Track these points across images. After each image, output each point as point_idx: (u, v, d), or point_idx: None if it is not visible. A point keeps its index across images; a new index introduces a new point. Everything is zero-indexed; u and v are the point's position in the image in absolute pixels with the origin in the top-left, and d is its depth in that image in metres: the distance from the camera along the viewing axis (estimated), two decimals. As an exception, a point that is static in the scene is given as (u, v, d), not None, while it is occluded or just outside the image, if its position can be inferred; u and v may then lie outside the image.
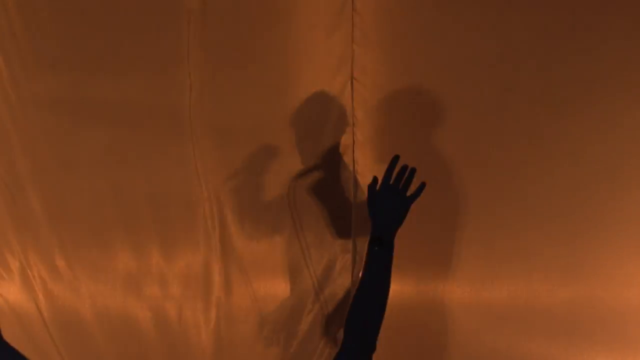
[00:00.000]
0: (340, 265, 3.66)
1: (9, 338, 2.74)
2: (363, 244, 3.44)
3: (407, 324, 3.63)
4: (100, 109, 3.64)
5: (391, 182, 2.93)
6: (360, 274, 2.89)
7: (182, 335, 3.77)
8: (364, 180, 3.43)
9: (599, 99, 3.46)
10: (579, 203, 3.56)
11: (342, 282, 3.66)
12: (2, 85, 3.60)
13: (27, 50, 3.59)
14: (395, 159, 2.98)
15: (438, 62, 3.52)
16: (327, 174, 3.65)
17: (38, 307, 3.78)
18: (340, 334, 2.92)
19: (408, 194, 2.94)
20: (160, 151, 3.67)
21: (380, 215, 2.89)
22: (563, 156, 3.55)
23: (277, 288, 3.74)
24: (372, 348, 2.74)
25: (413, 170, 2.96)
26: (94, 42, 3.60)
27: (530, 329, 3.61)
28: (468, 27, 3.49)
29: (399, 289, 3.50)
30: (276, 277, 3.74)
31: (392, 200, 2.90)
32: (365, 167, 3.55)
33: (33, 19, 3.57)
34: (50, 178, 3.68)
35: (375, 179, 2.98)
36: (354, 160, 3.59)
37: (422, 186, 2.96)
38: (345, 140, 3.60)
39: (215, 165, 3.65)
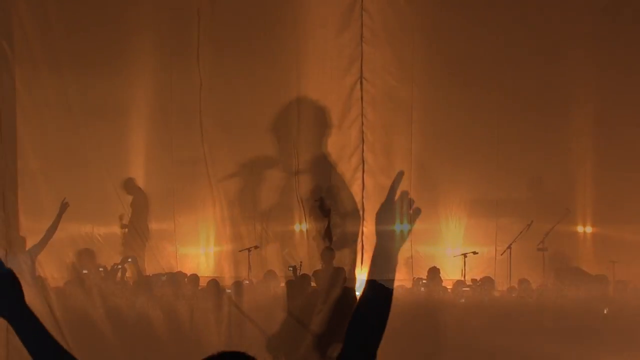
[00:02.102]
0: (348, 267, 3.66)
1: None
2: (370, 247, 3.43)
3: (413, 321, 3.62)
4: (112, 106, 3.68)
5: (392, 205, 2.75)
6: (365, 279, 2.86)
7: (193, 335, 3.76)
8: (373, 180, 3.43)
9: (598, 96, 3.48)
10: (585, 201, 3.56)
11: (350, 283, 3.65)
12: (14, 86, 3.62)
13: (38, 51, 3.61)
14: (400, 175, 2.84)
15: (447, 62, 3.55)
16: (336, 174, 3.66)
17: (50, 306, 3.77)
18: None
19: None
20: (171, 148, 3.69)
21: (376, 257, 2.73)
22: (567, 155, 3.55)
23: (287, 288, 3.73)
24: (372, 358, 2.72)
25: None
26: (105, 42, 3.63)
27: (540, 328, 3.60)
28: (477, 27, 3.51)
29: (406, 287, 3.50)
30: (286, 276, 3.73)
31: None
32: (374, 165, 3.55)
33: (44, 22, 3.59)
34: (62, 176, 3.69)
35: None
36: (363, 160, 3.59)
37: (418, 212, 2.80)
38: (354, 139, 3.61)
39: (225, 162, 3.66)
